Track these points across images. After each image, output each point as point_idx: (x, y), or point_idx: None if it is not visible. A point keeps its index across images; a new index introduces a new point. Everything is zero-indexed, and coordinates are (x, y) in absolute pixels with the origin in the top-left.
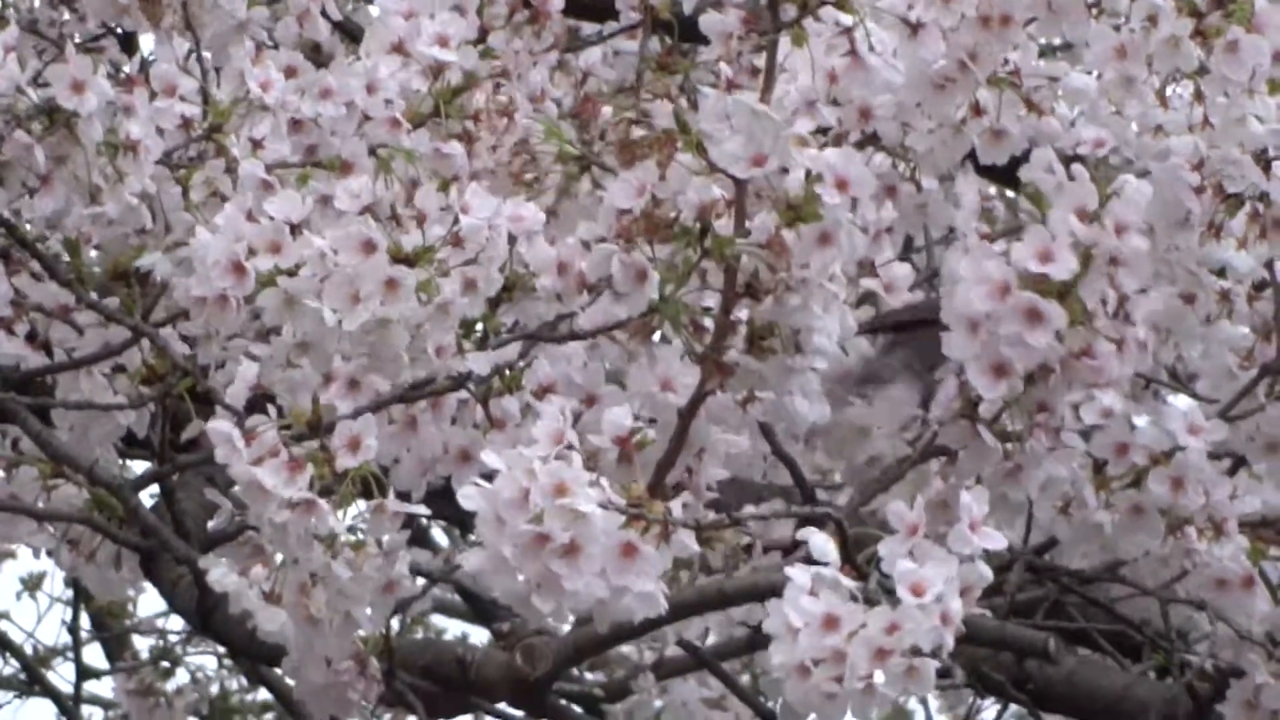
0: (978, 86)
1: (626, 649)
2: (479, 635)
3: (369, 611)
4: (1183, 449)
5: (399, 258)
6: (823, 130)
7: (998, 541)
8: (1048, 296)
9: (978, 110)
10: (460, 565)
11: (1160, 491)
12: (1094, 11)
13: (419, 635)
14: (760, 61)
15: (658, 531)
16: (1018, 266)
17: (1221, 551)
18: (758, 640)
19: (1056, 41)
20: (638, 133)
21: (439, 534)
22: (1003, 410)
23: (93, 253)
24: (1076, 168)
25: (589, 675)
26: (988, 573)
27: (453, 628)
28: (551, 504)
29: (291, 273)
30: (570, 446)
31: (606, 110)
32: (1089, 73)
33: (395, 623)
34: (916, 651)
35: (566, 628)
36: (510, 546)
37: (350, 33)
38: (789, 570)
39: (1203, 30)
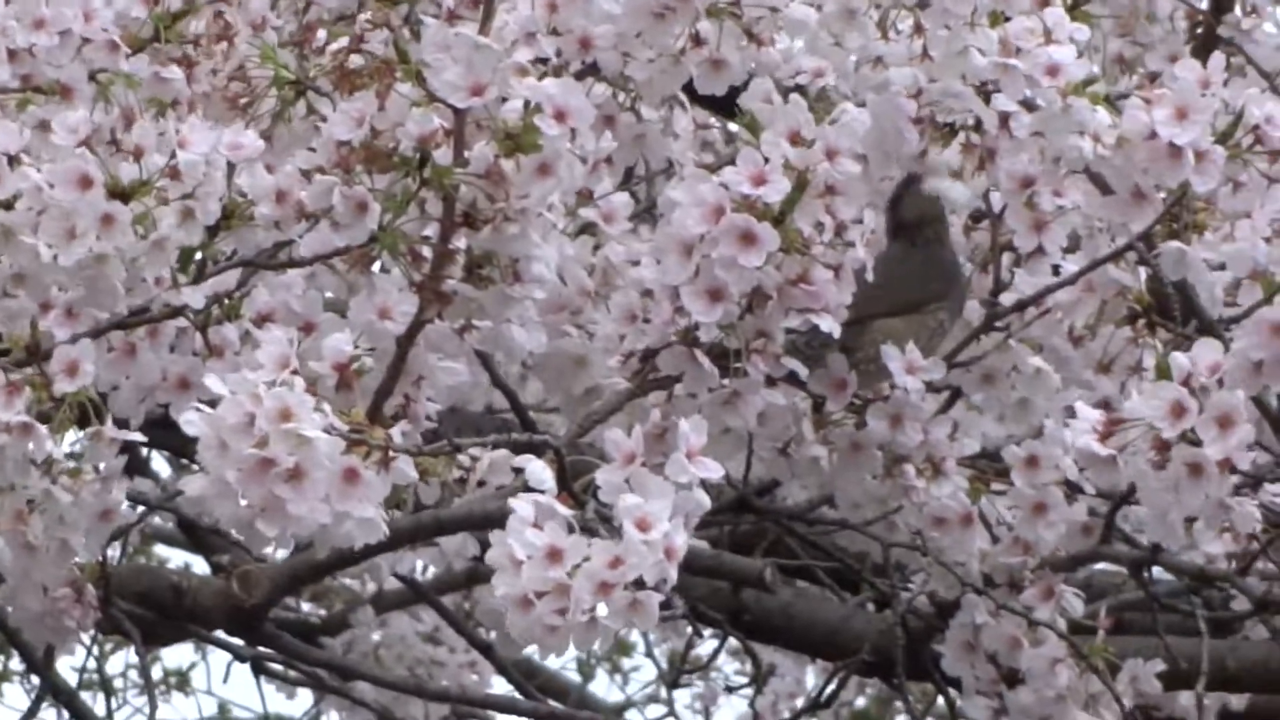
0: (698, 16)
1: (348, 581)
2: (201, 566)
3: (85, 539)
4: (900, 387)
5: (116, 192)
6: (542, 60)
7: (714, 470)
8: (762, 220)
9: (697, 40)
10: (180, 493)
11: (879, 428)
12: None
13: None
14: None
15: (379, 457)
16: (731, 189)
17: (940, 490)
18: (476, 574)
19: None
20: (356, 61)
21: (160, 463)
22: (722, 335)
23: None
24: (794, 96)
25: (307, 607)
26: (705, 500)
27: (175, 558)
28: (276, 428)
29: (8, 205)
30: (295, 372)
31: (322, 37)
32: (811, 4)
33: (115, 551)
34: (640, 585)
35: (284, 554)
36: (234, 471)
37: None
38: (512, 501)
39: None
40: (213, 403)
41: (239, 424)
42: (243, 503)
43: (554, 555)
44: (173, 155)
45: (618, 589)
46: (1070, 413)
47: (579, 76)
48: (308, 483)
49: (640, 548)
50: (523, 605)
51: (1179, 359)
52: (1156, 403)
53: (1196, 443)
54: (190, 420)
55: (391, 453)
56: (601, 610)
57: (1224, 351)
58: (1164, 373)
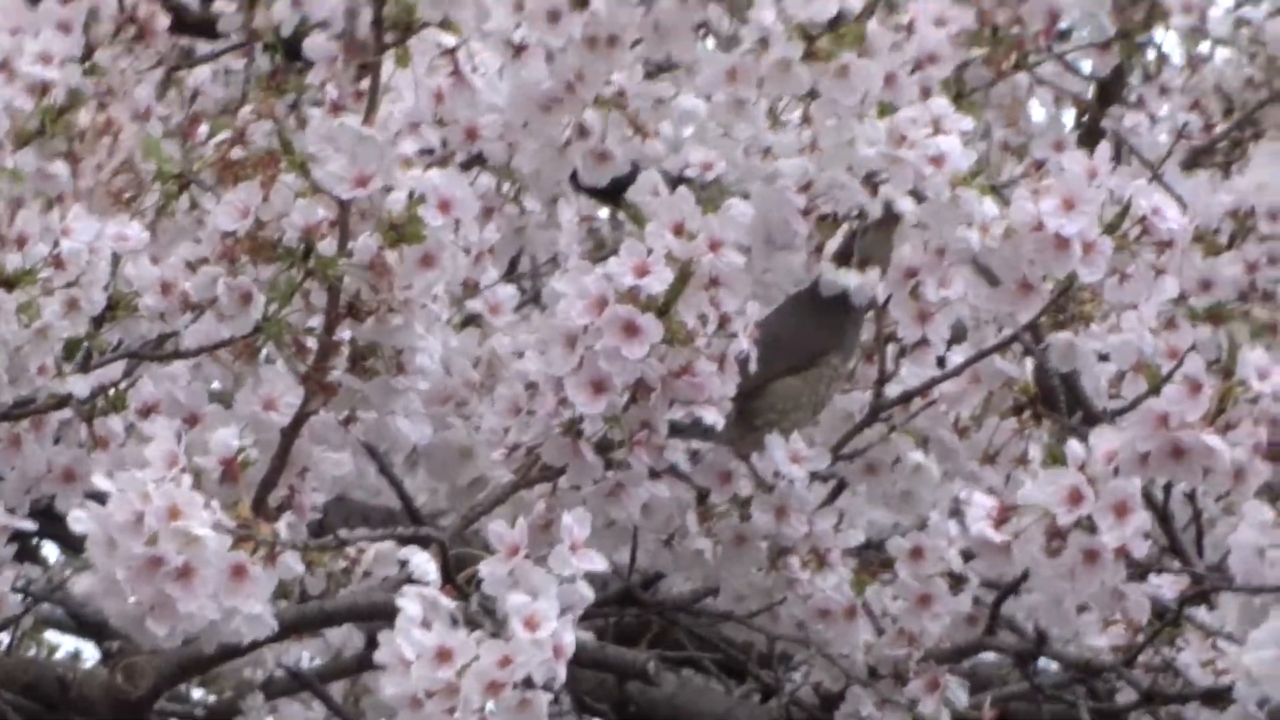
0: (584, 108)
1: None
2: (91, 652)
3: None
4: (786, 478)
5: (0, 280)
6: (428, 151)
7: (599, 563)
8: (646, 311)
9: (583, 131)
10: (66, 582)
11: (763, 520)
12: (701, 32)
13: (31, 652)
14: (366, 83)
15: (266, 553)
16: (615, 281)
17: (825, 582)
18: (364, 662)
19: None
20: (240, 153)
21: (51, 549)
22: (606, 428)
23: None
24: (681, 189)
25: (197, 693)
26: (589, 593)
27: (67, 643)
28: (165, 527)
29: None
30: (183, 469)
31: (206, 130)
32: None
33: (5, 636)
34: (529, 684)
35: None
36: (123, 569)
37: None
38: (399, 600)
39: (814, 54)
40: (101, 499)
41: (127, 522)
42: (131, 600)
43: (443, 655)
44: (56, 244)
45: (507, 688)
46: (956, 504)
47: (464, 167)
48: (196, 580)
49: (529, 647)
50: (412, 705)
51: (1074, 446)
52: (1052, 489)
53: (1092, 530)
54: (78, 518)
55: (278, 548)
56: (491, 709)
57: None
58: (1057, 460)
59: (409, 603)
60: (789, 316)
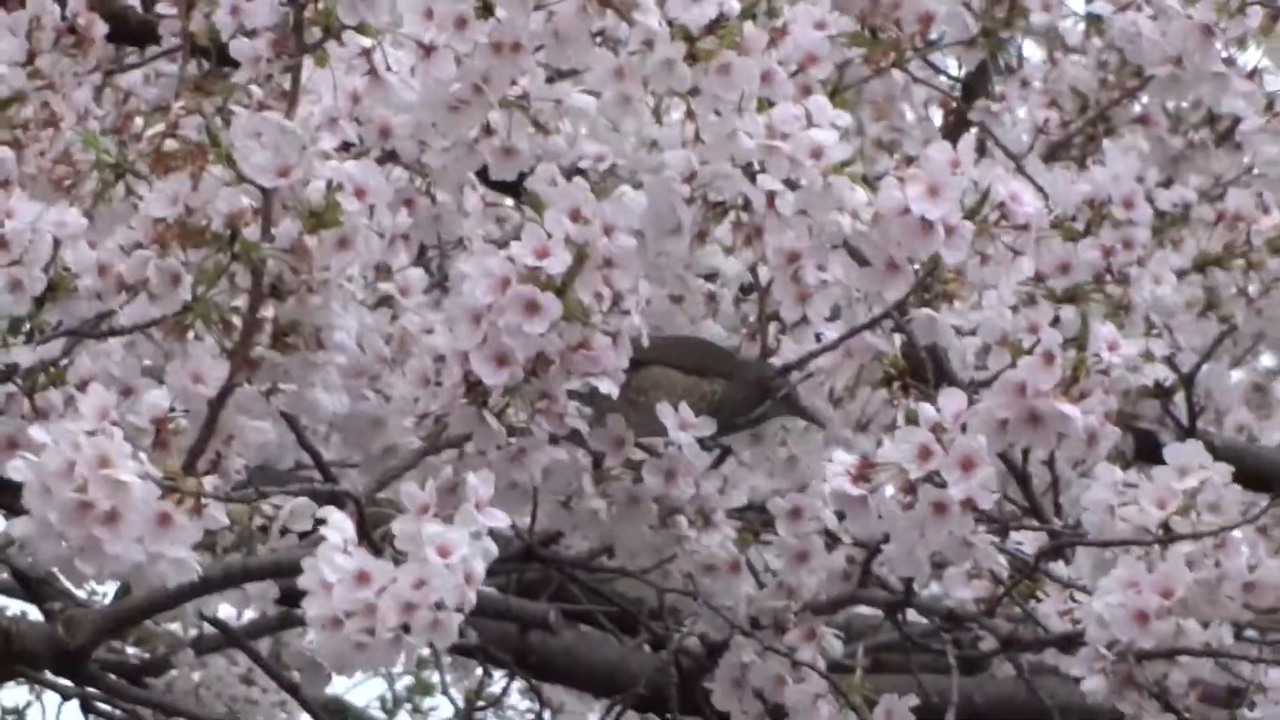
0: (490, 108)
1: (172, 626)
2: (35, 615)
3: None
4: (675, 444)
5: None
6: (346, 146)
7: (501, 520)
8: (545, 290)
9: (489, 130)
10: (10, 544)
11: (654, 483)
12: (598, 40)
13: None
14: (288, 83)
15: (191, 504)
16: (517, 262)
17: (710, 540)
18: (287, 619)
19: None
20: (171, 145)
21: None
22: (508, 397)
23: None
24: (577, 179)
25: (132, 650)
26: (493, 548)
27: (13, 606)
28: (95, 474)
29: None
30: (115, 423)
31: (140, 125)
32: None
33: None
34: (440, 607)
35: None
36: (56, 513)
37: None
38: (323, 529)
39: (696, 54)
40: (38, 451)
41: (60, 470)
42: (63, 543)
43: (363, 578)
44: (0, 225)
45: (421, 609)
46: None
47: (379, 162)
48: (124, 524)
49: (442, 571)
50: (332, 625)
51: (925, 408)
52: (905, 447)
53: (942, 484)
54: (16, 467)
55: (203, 500)
56: (407, 629)
57: (968, 404)
58: (911, 421)
59: (331, 531)
60: (711, 344)
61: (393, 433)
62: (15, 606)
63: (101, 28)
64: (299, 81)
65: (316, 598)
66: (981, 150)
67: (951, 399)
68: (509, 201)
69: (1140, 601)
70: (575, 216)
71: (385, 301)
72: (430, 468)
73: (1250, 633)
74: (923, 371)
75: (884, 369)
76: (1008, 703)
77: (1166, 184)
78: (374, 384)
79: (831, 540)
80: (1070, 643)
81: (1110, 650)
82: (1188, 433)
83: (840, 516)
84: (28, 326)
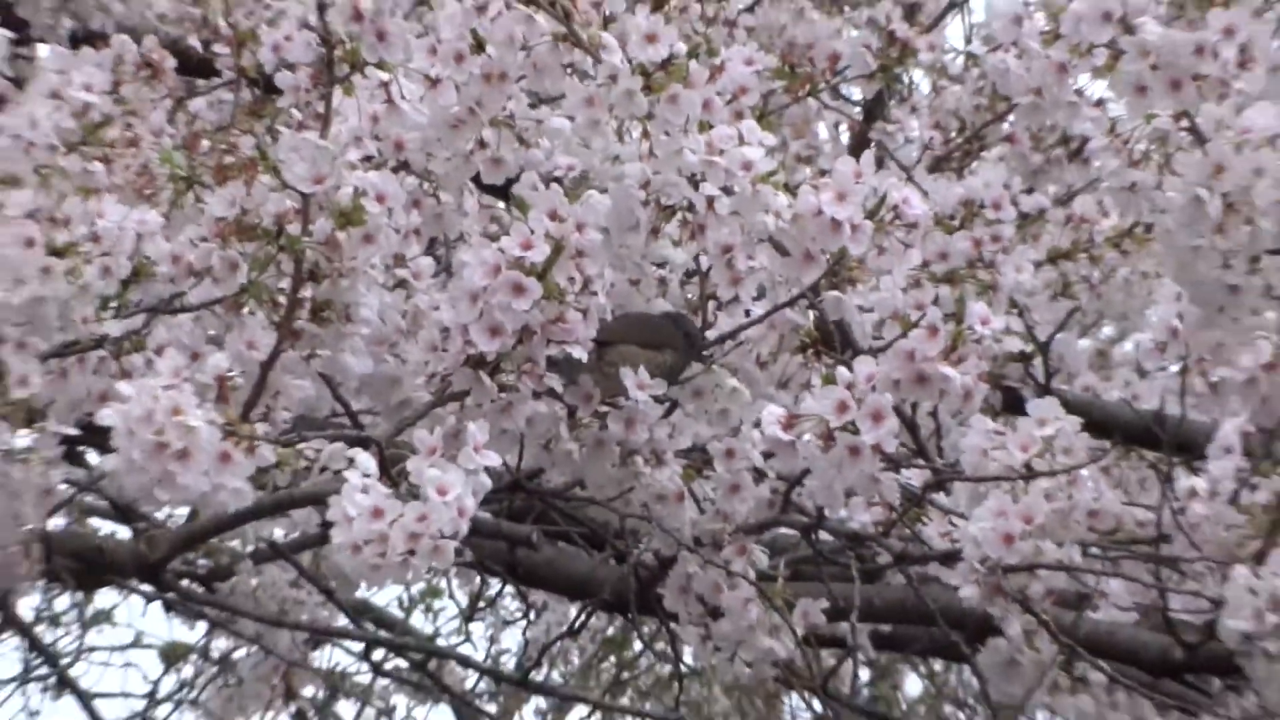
0: (483, 127)
1: (233, 543)
2: (125, 534)
3: (32, 509)
4: (634, 400)
5: (52, 251)
6: (367, 158)
7: (494, 460)
8: (529, 275)
9: (483, 144)
10: (104, 476)
11: (616, 429)
12: (569, 70)
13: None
14: (322, 108)
15: (247, 445)
16: (507, 252)
17: (661, 475)
18: (324, 538)
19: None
20: (229, 160)
21: (93, 457)
22: (499, 361)
23: None
24: (553, 185)
25: (201, 561)
26: (488, 482)
27: (107, 528)
28: (170, 420)
29: None
30: (186, 380)
31: (205, 143)
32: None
33: (61, 520)
34: (440, 535)
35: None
36: (139, 452)
37: (18, 81)
38: (346, 474)
39: (651, 86)
40: (124, 402)
41: (142, 417)
42: (144, 476)
43: (377, 512)
44: (94, 224)
45: (424, 538)
46: (757, 419)
47: (395, 170)
48: (193, 461)
49: (440, 507)
50: (353, 550)
51: (842, 371)
52: (826, 402)
53: (855, 432)
54: (106, 415)
55: (256, 441)
56: (414, 554)
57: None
58: (829, 381)
59: (352, 474)
60: (661, 320)
61: (407, 389)
62: (107, 527)
63: (171, 62)
64: (331, 107)
65: (341, 528)
66: (880, 163)
67: (864, 364)
68: (500, 203)
69: (1007, 526)
70: (553, 216)
71: (401, 284)
72: (437, 418)
73: (1094, 550)
74: (832, 341)
75: (801, 339)
76: (900, 606)
77: (1028, 191)
78: (392, 350)
79: (759, 475)
80: (950, 558)
81: (983, 565)
82: (1045, 390)
83: (767, 456)
84: (115, 304)
